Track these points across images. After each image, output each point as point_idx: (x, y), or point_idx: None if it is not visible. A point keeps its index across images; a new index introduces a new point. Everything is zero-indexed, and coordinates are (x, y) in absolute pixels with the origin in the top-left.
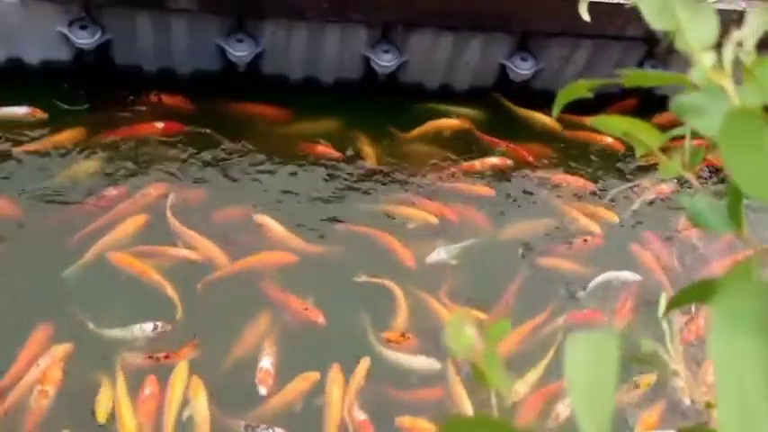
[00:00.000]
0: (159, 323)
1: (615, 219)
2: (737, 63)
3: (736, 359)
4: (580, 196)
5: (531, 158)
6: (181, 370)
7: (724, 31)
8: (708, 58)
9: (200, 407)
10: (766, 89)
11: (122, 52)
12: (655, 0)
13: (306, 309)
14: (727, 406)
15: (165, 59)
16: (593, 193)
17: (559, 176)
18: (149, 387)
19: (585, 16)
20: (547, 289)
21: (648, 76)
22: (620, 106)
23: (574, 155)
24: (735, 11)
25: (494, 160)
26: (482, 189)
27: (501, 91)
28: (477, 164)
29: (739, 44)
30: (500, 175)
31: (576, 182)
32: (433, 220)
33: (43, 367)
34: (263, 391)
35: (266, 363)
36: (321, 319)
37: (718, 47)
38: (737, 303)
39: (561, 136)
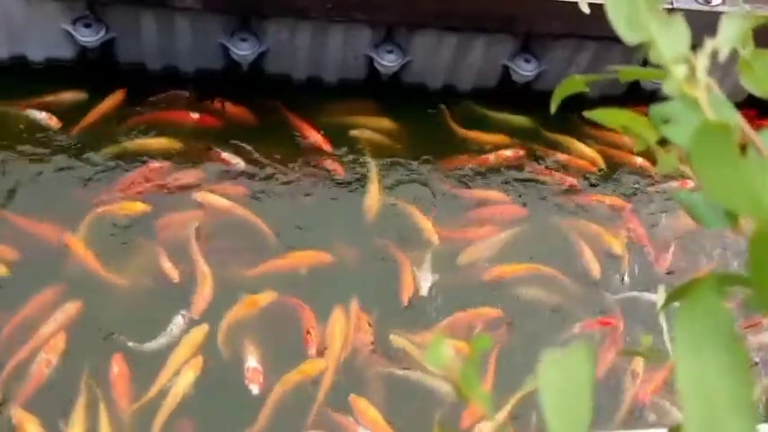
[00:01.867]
0: (185, 312)
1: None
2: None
3: (702, 376)
4: (608, 216)
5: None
6: (197, 334)
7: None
8: (681, 70)
9: (185, 382)
10: (765, 83)
11: (126, 50)
12: (624, 12)
13: (308, 333)
14: (693, 422)
15: (169, 58)
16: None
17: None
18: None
19: (585, 9)
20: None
21: (641, 72)
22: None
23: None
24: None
25: (507, 153)
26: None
27: (503, 92)
28: (492, 157)
29: (714, 53)
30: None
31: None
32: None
33: (52, 331)
34: (255, 390)
35: (252, 362)
36: (313, 351)
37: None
38: (700, 320)
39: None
